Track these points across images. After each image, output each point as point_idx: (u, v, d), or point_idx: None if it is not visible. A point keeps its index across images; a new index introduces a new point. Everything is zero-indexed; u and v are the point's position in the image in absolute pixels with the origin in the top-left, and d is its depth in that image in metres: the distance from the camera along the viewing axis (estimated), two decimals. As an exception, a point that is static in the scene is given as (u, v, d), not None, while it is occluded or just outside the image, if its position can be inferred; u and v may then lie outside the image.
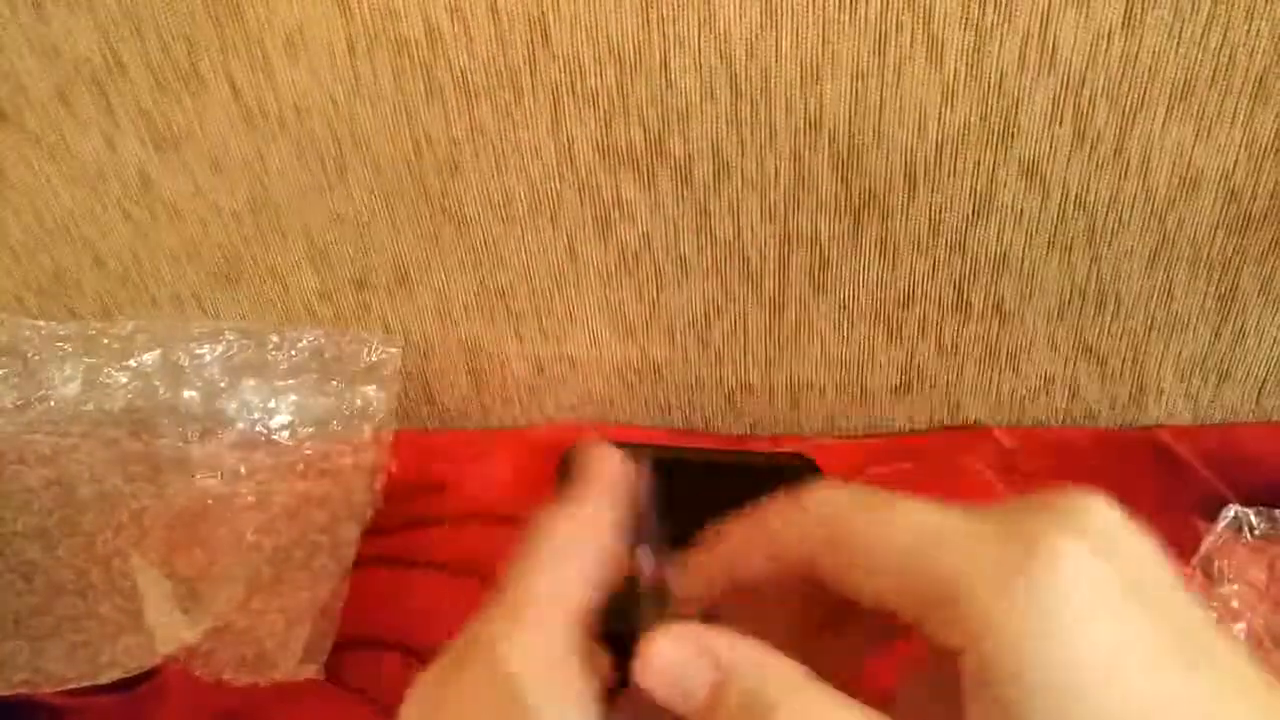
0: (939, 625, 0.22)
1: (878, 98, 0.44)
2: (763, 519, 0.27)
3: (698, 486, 0.46)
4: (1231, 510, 0.48)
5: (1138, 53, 0.42)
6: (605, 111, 0.45)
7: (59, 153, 0.48)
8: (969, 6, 0.41)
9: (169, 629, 0.46)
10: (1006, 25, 0.42)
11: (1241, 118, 0.44)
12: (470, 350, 0.56)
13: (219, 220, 0.50)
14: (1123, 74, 0.43)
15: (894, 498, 0.24)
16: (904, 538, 0.23)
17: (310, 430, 0.53)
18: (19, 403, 0.52)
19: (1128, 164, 0.45)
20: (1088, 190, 0.46)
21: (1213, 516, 0.48)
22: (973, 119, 0.44)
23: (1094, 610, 0.21)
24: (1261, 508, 0.48)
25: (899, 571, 0.23)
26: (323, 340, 0.53)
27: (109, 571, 0.48)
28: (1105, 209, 0.47)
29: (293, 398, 0.53)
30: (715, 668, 0.24)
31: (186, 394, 0.53)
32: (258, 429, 0.53)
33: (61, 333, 0.53)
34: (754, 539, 0.27)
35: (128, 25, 0.44)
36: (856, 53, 0.43)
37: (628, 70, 0.44)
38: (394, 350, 0.53)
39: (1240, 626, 0.44)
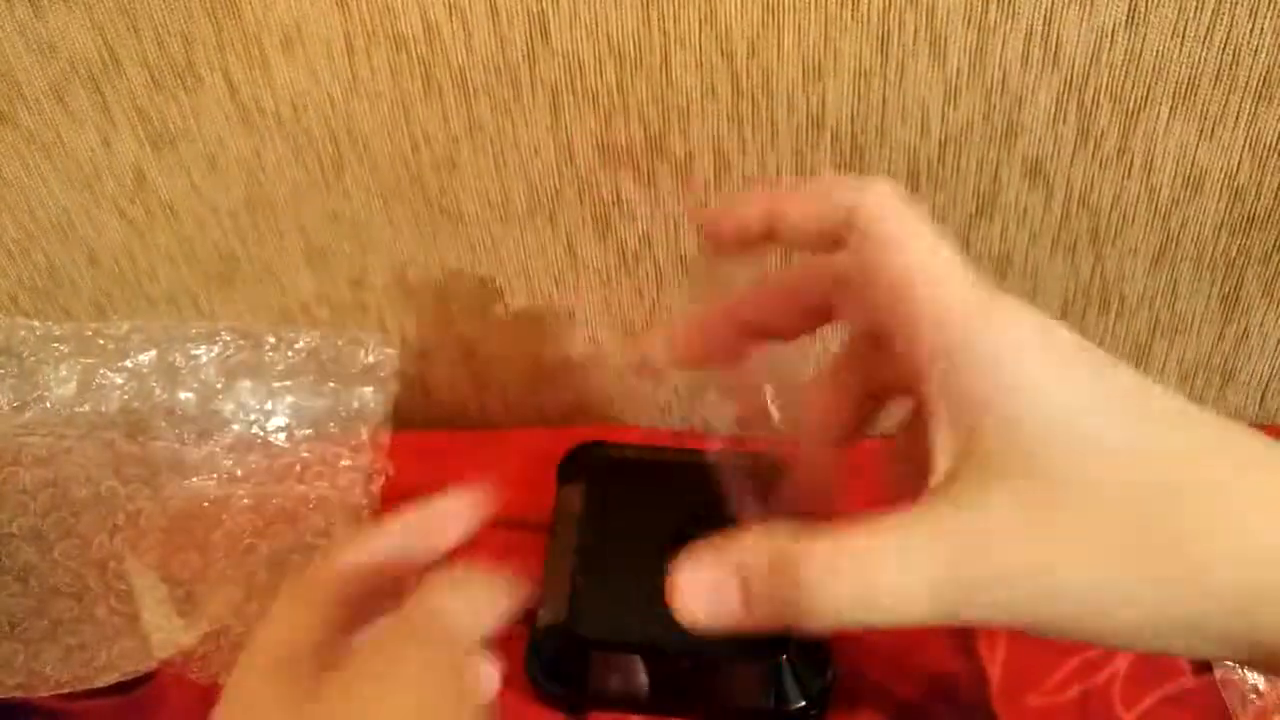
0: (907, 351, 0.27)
1: (880, 96, 0.44)
2: (809, 199, 0.28)
3: (699, 487, 0.45)
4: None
5: (1141, 51, 0.42)
6: (605, 109, 0.45)
7: (54, 151, 0.48)
8: (972, 4, 0.41)
9: (165, 632, 0.45)
10: (1010, 23, 0.41)
11: (1245, 117, 0.43)
12: (468, 350, 0.55)
13: (215, 219, 0.50)
14: (1126, 72, 0.42)
15: (931, 234, 0.27)
16: (924, 273, 0.26)
17: (307, 432, 0.52)
18: (15, 404, 0.52)
19: (1131, 163, 0.45)
20: (1091, 189, 0.46)
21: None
22: (976, 117, 0.44)
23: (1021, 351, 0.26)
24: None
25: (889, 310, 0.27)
26: (319, 341, 0.53)
27: (105, 574, 0.48)
28: (1109, 208, 0.47)
29: (289, 399, 0.53)
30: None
31: (182, 395, 0.52)
32: (254, 431, 0.52)
33: (57, 333, 0.53)
34: (797, 209, 0.29)
35: (124, 22, 0.44)
36: (859, 50, 0.42)
37: (628, 68, 0.43)
38: (391, 351, 0.53)
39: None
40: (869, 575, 0.25)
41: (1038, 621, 0.25)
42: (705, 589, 0.27)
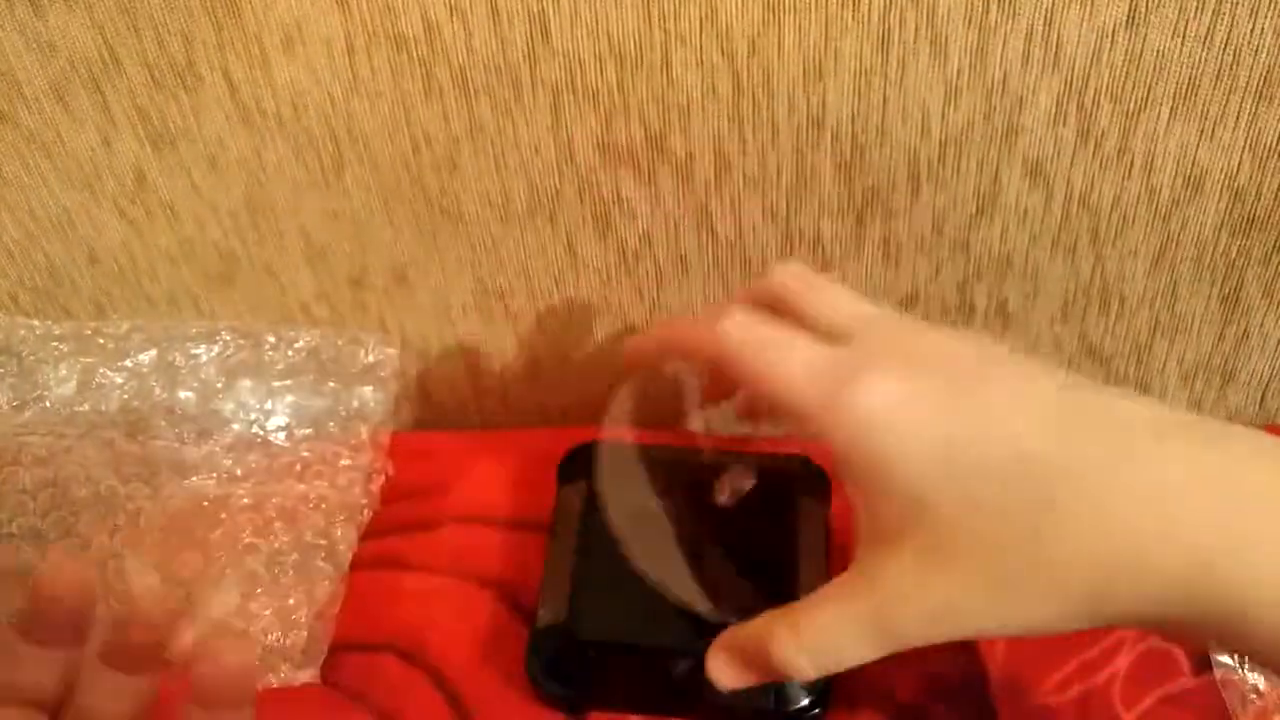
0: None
1: (881, 96, 0.44)
2: (687, 334, 0.39)
3: (700, 487, 0.45)
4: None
5: (1142, 51, 0.42)
6: (606, 109, 0.45)
7: (54, 150, 0.48)
8: (973, 4, 0.41)
9: (164, 632, 0.45)
10: (1010, 23, 0.41)
11: (1246, 117, 0.43)
12: (468, 351, 0.55)
13: (215, 219, 0.50)
14: (1127, 73, 0.43)
15: (779, 348, 0.34)
16: (779, 387, 0.34)
17: (307, 431, 0.52)
18: (14, 403, 0.52)
19: (1132, 163, 0.45)
20: (1092, 190, 0.46)
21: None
22: (976, 118, 0.44)
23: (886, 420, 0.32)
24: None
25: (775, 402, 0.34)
26: (319, 341, 0.53)
27: (104, 574, 0.48)
28: (1109, 209, 0.47)
29: (289, 399, 0.53)
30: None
31: (182, 395, 0.52)
32: (254, 430, 0.52)
33: (57, 332, 0.53)
34: (679, 343, 0.39)
35: (124, 22, 0.44)
36: (860, 50, 0.42)
37: (629, 67, 0.44)
38: (391, 351, 0.53)
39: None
40: (823, 642, 0.33)
41: (948, 639, 0.32)
42: (724, 667, 0.35)
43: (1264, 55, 0.42)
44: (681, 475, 0.46)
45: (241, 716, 0.29)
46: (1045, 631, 0.31)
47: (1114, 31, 0.41)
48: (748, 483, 0.44)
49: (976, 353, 0.33)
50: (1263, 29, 0.41)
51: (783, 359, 0.34)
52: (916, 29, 0.42)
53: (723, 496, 0.44)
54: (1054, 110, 0.44)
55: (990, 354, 0.33)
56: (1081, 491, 0.29)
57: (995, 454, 0.30)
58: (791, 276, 0.37)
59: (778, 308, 0.37)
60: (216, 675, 0.28)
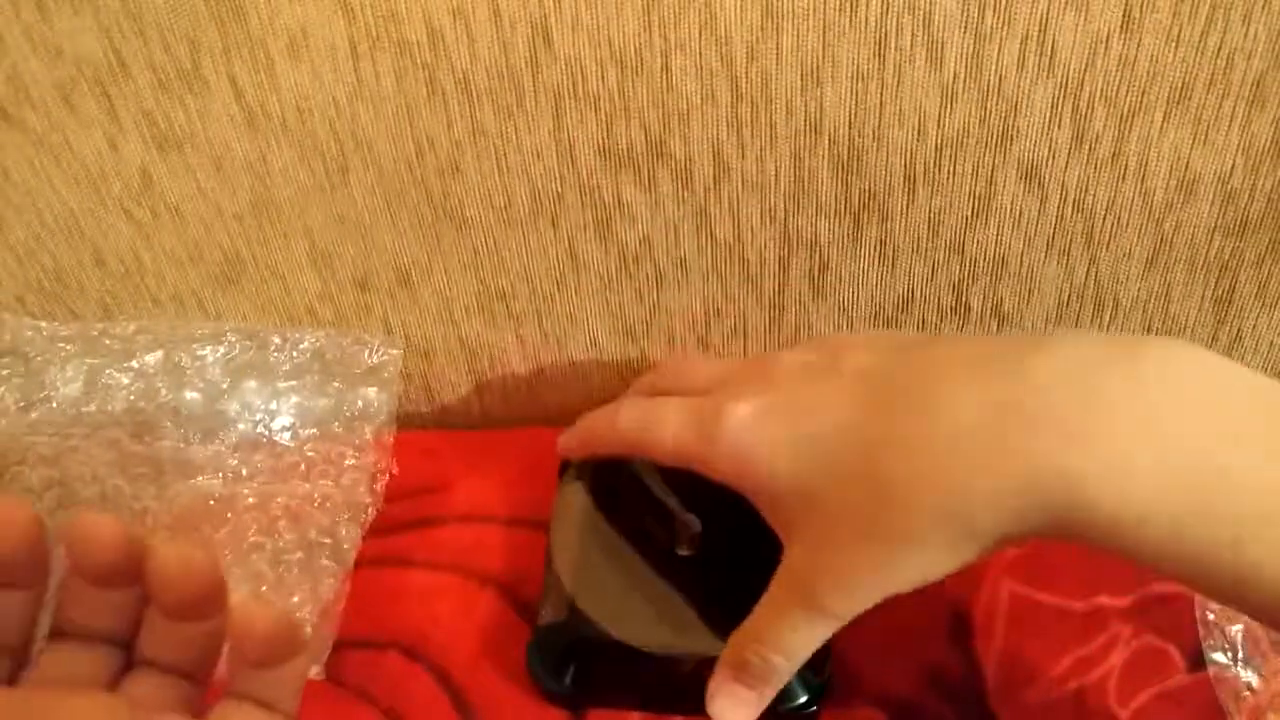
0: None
1: (877, 100, 0.44)
2: (594, 430, 0.45)
3: (700, 484, 0.46)
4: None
5: (1136, 56, 0.42)
6: (606, 113, 0.45)
7: (61, 153, 0.48)
8: (969, 10, 0.41)
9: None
10: (1006, 28, 0.42)
11: (1239, 121, 0.44)
12: (471, 351, 0.56)
13: (221, 221, 0.50)
14: (1121, 77, 0.43)
15: (657, 417, 0.40)
16: (663, 448, 0.40)
17: (311, 431, 0.53)
18: (21, 404, 0.52)
19: (1126, 167, 0.46)
20: (1086, 193, 0.46)
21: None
22: (972, 122, 0.44)
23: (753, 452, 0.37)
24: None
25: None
26: (324, 341, 0.53)
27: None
28: (1103, 211, 0.47)
29: (294, 399, 0.53)
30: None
31: (188, 395, 0.53)
32: (259, 430, 0.53)
33: (63, 333, 0.53)
34: (592, 440, 0.45)
35: (130, 25, 0.44)
36: (856, 55, 0.43)
37: (629, 73, 0.44)
38: (395, 352, 0.54)
39: (1238, 628, 0.44)
40: (782, 641, 0.37)
41: (874, 602, 0.35)
42: (729, 707, 0.38)
43: (1256, 60, 0.42)
44: (680, 475, 0.46)
45: (286, 673, 0.29)
46: (956, 569, 0.33)
47: (1108, 37, 0.42)
48: (696, 527, 0.45)
49: (816, 357, 0.38)
50: (1255, 34, 0.41)
51: (660, 424, 0.40)
52: (913, 35, 0.42)
53: (683, 549, 0.45)
54: (1049, 114, 0.44)
55: (837, 345, 0.39)
56: (898, 452, 0.33)
57: (837, 439, 0.35)
58: (667, 365, 0.45)
59: (668, 392, 0.42)
60: (253, 634, 0.28)
